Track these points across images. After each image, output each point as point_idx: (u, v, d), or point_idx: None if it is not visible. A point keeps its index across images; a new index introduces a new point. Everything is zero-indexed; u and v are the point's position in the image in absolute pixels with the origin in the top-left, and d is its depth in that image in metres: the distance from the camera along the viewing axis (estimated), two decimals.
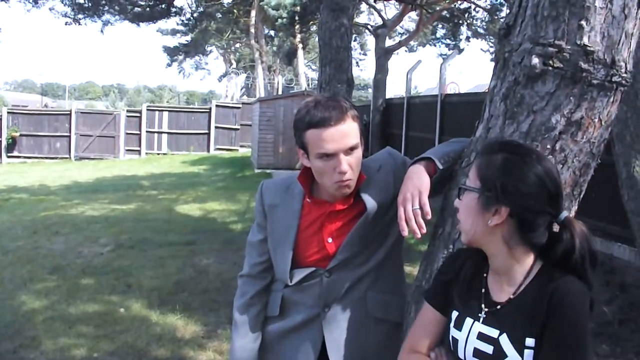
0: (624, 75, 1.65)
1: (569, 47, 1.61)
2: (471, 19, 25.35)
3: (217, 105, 29.64)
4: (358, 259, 2.18)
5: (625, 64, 1.65)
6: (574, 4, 1.60)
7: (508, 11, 1.82)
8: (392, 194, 2.09)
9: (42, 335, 5.26)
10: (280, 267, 2.25)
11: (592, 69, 1.61)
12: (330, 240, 2.16)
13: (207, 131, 28.84)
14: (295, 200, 2.22)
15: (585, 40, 1.60)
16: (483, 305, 1.58)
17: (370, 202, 2.12)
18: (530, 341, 1.48)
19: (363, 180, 2.12)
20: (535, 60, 1.64)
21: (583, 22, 1.60)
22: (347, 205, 2.14)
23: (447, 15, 24.68)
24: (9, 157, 28.05)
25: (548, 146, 1.66)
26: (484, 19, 25.24)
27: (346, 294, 2.21)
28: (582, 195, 1.76)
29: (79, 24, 18.14)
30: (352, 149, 2.02)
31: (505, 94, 1.73)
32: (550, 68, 1.63)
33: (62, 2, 17.31)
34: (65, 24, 18.25)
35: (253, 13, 36.95)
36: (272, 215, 2.27)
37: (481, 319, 1.57)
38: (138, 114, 29.22)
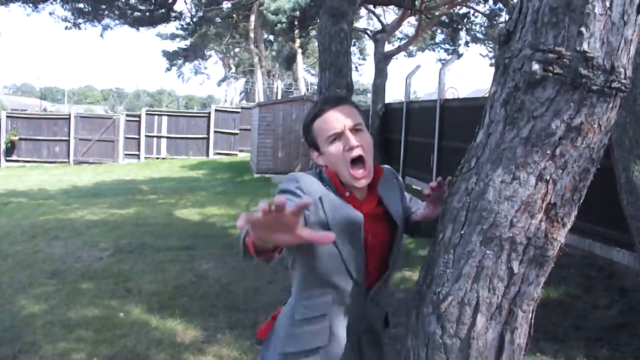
0: (624, 81, 1.66)
1: (568, 54, 1.62)
2: (470, 24, 25.41)
3: (216, 110, 29.68)
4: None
5: (625, 70, 1.66)
6: (573, 11, 1.61)
7: (508, 17, 1.84)
8: (401, 206, 2.21)
9: (42, 340, 5.25)
10: (352, 265, 2.06)
11: (591, 75, 1.62)
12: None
13: (206, 136, 28.87)
14: (334, 194, 2.10)
15: (585, 46, 1.61)
16: None
17: (395, 209, 2.18)
18: None
19: (381, 175, 2.15)
20: (536, 67, 1.65)
21: (583, 29, 1.61)
22: (375, 204, 2.15)
23: (446, 21, 24.74)
24: (7, 161, 28.05)
25: (548, 151, 1.67)
26: (483, 24, 25.29)
27: (380, 316, 2.24)
28: (581, 201, 1.77)
29: (79, 29, 18.14)
30: (357, 128, 2.07)
31: (505, 100, 1.73)
32: (550, 74, 1.64)
33: (63, 7, 17.29)
34: (65, 29, 18.25)
35: (252, 18, 37.10)
36: (323, 204, 2.05)
37: None
38: (137, 119, 29.24)
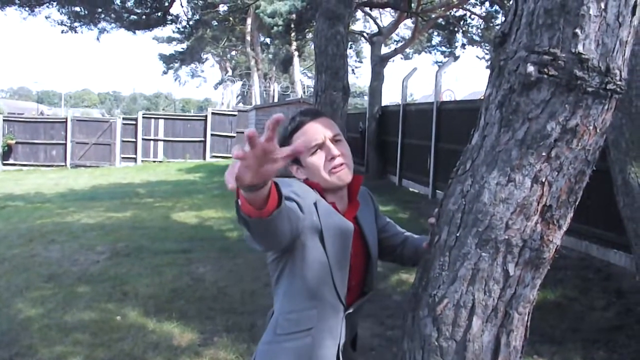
0: (619, 82, 1.66)
1: (563, 55, 1.62)
2: (467, 27, 25.42)
3: (213, 113, 29.68)
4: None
5: (620, 72, 1.66)
6: (568, 12, 1.61)
7: (504, 19, 1.83)
8: (376, 227, 2.30)
9: (38, 344, 5.25)
10: (338, 275, 2.07)
11: (586, 76, 1.61)
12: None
13: (203, 139, 28.86)
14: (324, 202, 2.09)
15: (580, 48, 1.61)
16: None
17: (369, 229, 2.24)
18: None
19: (360, 183, 2.19)
20: (531, 68, 1.65)
21: (578, 30, 1.61)
22: (354, 215, 2.18)
23: (443, 23, 24.75)
24: (4, 164, 28.01)
25: (543, 153, 1.66)
26: (479, 26, 25.30)
27: (350, 336, 2.24)
28: (577, 203, 1.77)
29: (75, 32, 18.11)
30: (337, 139, 2.13)
31: (500, 102, 1.73)
32: (546, 76, 1.64)
33: (59, 11, 17.28)
34: (62, 32, 18.23)
35: (249, 21, 37.12)
36: (317, 209, 2.04)
37: None
38: (134, 122, 29.24)
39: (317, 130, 2.10)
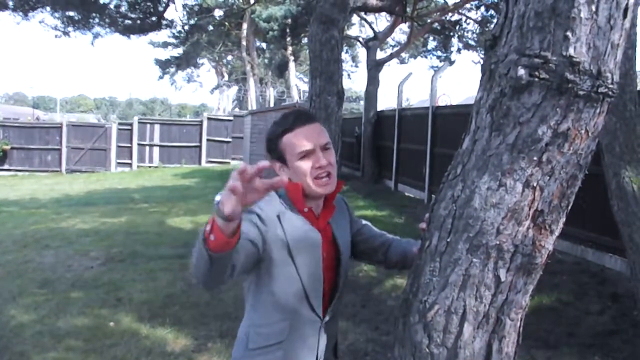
0: (611, 86, 1.64)
1: (554, 58, 1.60)
2: (462, 31, 25.46)
3: (208, 118, 29.74)
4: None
5: (612, 75, 1.65)
6: (559, 15, 1.60)
7: (495, 22, 1.82)
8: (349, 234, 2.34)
9: (31, 350, 5.21)
10: (311, 287, 2.10)
11: (578, 79, 1.60)
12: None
13: (198, 144, 28.90)
14: (291, 211, 2.13)
15: (571, 51, 1.59)
16: None
17: (342, 235, 2.27)
18: None
19: (341, 188, 2.20)
20: (521, 72, 1.64)
21: (569, 33, 1.59)
22: (329, 217, 2.21)
23: (438, 28, 24.79)
24: None
25: (535, 158, 1.64)
26: (474, 30, 25.33)
27: (330, 346, 2.26)
28: (569, 207, 1.75)
29: (69, 37, 18.06)
30: (326, 147, 2.13)
31: (491, 106, 1.72)
32: (537, 79, 1.62)
33: (52, 15, 17.24)
34: (55, 37, 18.17)
35: (244, 26, 37.16)
36: (281, 222, 2.08)
37: None
38: (129, 127, 29.27)
39: (310, 137, 2.11)
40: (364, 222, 2.48)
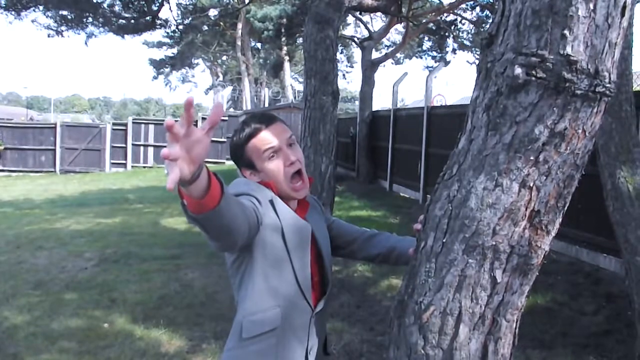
0: (608, 85, 1.62)
1: (552, 57, 1.59)
2: (457, 31, 25.45)
3: (203, 118, 29.58)
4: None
5: (609, 74, 1.63)
6: (556, 13, 1.58)
7: (491, 21, 1.80)
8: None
9: (24, 352, 5.19)
10: (301, 273, 2.11)
11: (575, 79, 1.58)
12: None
13: None
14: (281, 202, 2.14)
15: (568, 49, 1.58)
16: None
17: (320, 230, 2.28)
18: None
19: (312, 184, 2.22)
20: (518, 71, 1.62)
21: (566, 32, 1.57)
22: (304, 214, 2.22)
23: (434, 28, 24.77)
24: None
25: (531, 158, 1.63)
26: (470, 31, 25.33)
27: (321, 339, 2.27)
28: (566, 207, 1.73)
29: (62, 36, 17.98)
30: (291, 142, 2.16)
31: (487, 105, 1.70)
32: (533, 78, 1.60)
33: (45, 14, 17.16)
34: (48, 36, 18.10)
35: (239, 26, 37.11)
36: (275, 206, 2.08)
37: None
38: (124, 127, 29.22)
39: (273, 136, 2.13)
40: (333, 217, 2.51)
